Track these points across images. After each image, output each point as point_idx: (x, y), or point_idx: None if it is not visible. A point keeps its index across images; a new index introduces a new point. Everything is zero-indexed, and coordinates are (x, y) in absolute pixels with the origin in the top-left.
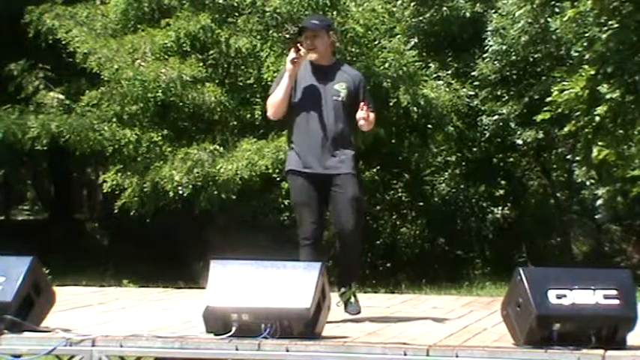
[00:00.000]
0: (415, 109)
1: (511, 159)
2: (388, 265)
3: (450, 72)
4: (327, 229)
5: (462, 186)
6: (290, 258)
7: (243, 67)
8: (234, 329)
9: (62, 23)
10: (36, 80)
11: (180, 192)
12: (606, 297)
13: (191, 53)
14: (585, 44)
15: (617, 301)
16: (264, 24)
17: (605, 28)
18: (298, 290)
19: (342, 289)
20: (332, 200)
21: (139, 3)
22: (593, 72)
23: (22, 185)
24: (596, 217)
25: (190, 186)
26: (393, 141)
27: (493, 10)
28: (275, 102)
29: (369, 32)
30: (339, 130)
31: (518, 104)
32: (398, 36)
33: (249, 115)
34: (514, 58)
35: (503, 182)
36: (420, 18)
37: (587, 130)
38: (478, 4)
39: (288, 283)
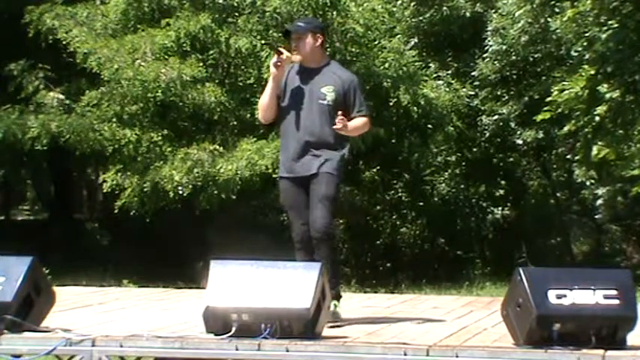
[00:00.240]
0: (415, 108)
1: (511, 159)
2: (388, 265)
3: (450, 72)
4: None
5: (462, 186)
6: (290, 258)
7: (243, 67)
8: (234, 329)
9: (62, 23)
10: (36, 80)
11: (180, 192)
12: (606, 297)
13: (191, 53)
14: (585, 44)
15: (617, 301)
16: (264, 24)
17: (605, 27)
18: (298, 290)
19: None
20: (309, 198)
21: (139, 3)
22: (593, 72)
23: (22, 185)
24: (596, 217)
25: (190, 186)
26: (393, 141)
27: (493, 10)
28: (262, 106)
29: (369, 32)
30: (325, 133)
31: (518, 104)
32: (398, 36)
33: (249, 115)
34: (514, 58)
35: (503, 182)
36: (420, 18)
37: (587, 129)
38: (478, 4)
39: (288, 283)
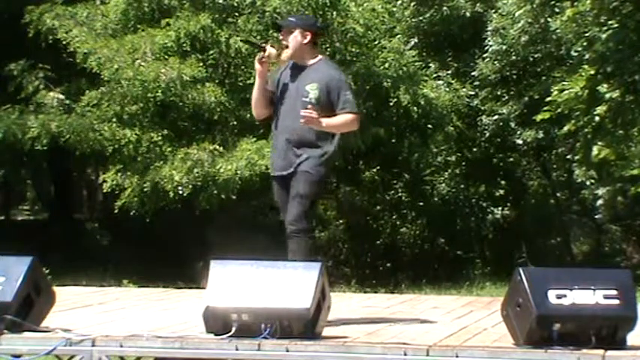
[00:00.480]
0: (415, 108)
1: (511, 159)
2: (388, 265)
3: (450, 72)
4: (327, 229)
5: (462, 186)
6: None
7: (243, 67)
8: (234, 329)
9: (62, 23)
10: (36, 80)
11: (180, 192)
12: (606, 297)
13: (191, 53)
14: (585, 44)
15: (617, 301)
16: (264, 24)
17: (605, 27)
18: (298, 290)
19: None
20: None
21: (138, 3)
22: (592, 72)
23: (22, 185)
24: (596, 217)
25: (190, 186)
26: (393, 141)
27: (493, 10)
28: (252, 102)
29: (369, 32)
30: (305, 131)
31: (518, 104)
32: (398, 36)
33: (249, 115)
34: (514, 58)
35: (503, 182)
36: (420, 18)
37: (586, 130)
38: (478, 4)
39: (288, 283)
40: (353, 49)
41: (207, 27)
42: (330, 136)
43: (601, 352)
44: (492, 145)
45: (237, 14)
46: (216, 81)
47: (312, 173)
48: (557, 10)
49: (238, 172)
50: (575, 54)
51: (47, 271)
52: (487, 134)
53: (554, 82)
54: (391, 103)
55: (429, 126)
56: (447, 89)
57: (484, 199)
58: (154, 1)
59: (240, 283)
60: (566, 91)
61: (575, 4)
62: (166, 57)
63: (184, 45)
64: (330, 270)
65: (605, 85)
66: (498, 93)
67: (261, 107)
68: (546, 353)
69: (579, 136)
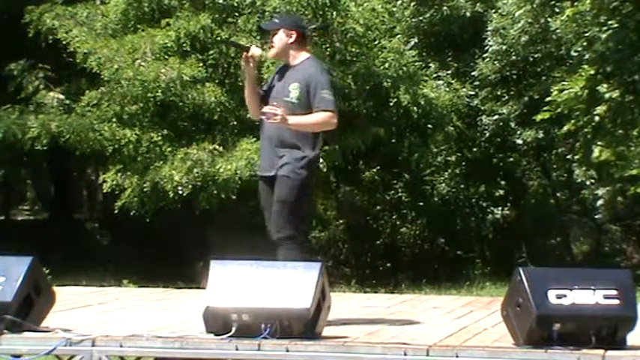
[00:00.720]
0: (415, 108)
1: (511, 159)
2: (388, 265)
3: (450, 72)
4: (327, 229)
5: (462, 186)
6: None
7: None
8: (234, 329)
9: (62, 23)
10: (36, 80)
11: (180, 192)
12: (606, 297)
13: (191, 53)
14: (585, 44)
15: (617, 301)
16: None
17: (605, 27)
18: (298, 290)
19: None
20: None
21: (138, 3)
22: (592, 72)
23: (22, 185)
24: (596, 217)
25: (190, 186)
26: (393, 141)
27: (493, 10)
28: (246, 102)
29: (369, 32)
30: (286, 132)
31: (518, 104)
32: (398, 36)
33: (248, 115)
34: (514, 58)
35: (503, 182)
36: (420, 18)
37: (586, 129)
38: (478, 4)
39: (288, 283)
40: (353, 49)
41: (207, 27)
42: (312, 138)
43: (601, 352)
44: (492, 145)
45: (237, 14)
46: (216, 81)
47: (292, 178)
48: (557, 10)
49: (238, 172)
50: (575, 54)
51: (47, 271)
52: (487, 134)
53: (554, 82)
54: (391, 103)
55: (429, 126)
56: (447, 89)
57: (484, 199)
58: (154, 1)
59: (240, 283)
60: (566, 91)
61: (575, 4)
62: (166, 57)
63: (184, 45)
64: (330, 270)
65: (605, 85)
66: (498, 93)
67: (255, 107)
68: (546, 353)
69: (579, 136)
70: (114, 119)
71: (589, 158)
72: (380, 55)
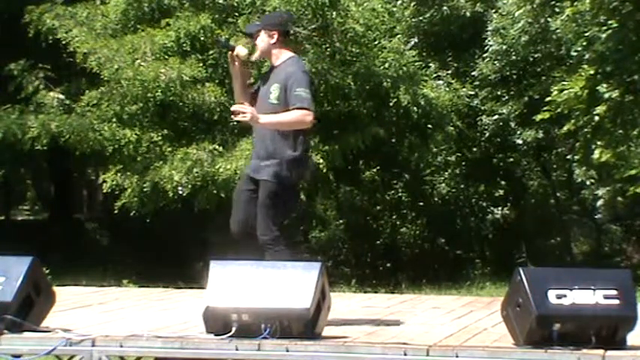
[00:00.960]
0: (415, 108)
1: (511, 159)
2: (388, 265)
3: (450, 72)
4: (327, 229)
5: (462, 186)
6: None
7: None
8: (234, 329)
9: (62, 23)
10: (36, 80)
11: (180, 192)
12: (606, 297)
13: (191, 53)
14: (585, 44)
15: (617, 301)
16: None
17: (605, 27)
18: (298, 290)
19: None
20: None
21: (139, 3)
22: (592, 72)
23: (22, 185)
24: (596, 217)
25: (190, 186)
26: (393, 141)
27: (493, 10)
28: (235, 101)
29: (369, 32)
30: (269, 132)
31: (518, 104)
32: (398, 36)
33: None
34: (514, 58)
35: (503, 182)
36: (420, 18)
37: (586, 129)
38: (478, 4)
39: (288, 283)
40: (353, 49)
41: (207, 27)
42: (292, 139)
43: (601, 352)
44: (492, 145)
45: (237, 14)
46: (216, 81)
47: (273, 181)
48: (557, 10)
49: (238, 171)
50: (575, 54)
51: (47, 271)
52: (487, 134)
53: (554, 82)
54: (391, 103)
55: (429, 126)
56: (447, 89)
57: (484, 199)
58: (154, 1)
59: (240, 283)
60: (565, 91)
61: (575, 3)
62: (166, 57)
63: (184, 45)
64: (330, 270)
65: (605, 85)
66: (498, 93)
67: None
68: (546, 353)
69: (579, 136)
70: (114, 119)
71: (589, 158)
72: (380, 55)
